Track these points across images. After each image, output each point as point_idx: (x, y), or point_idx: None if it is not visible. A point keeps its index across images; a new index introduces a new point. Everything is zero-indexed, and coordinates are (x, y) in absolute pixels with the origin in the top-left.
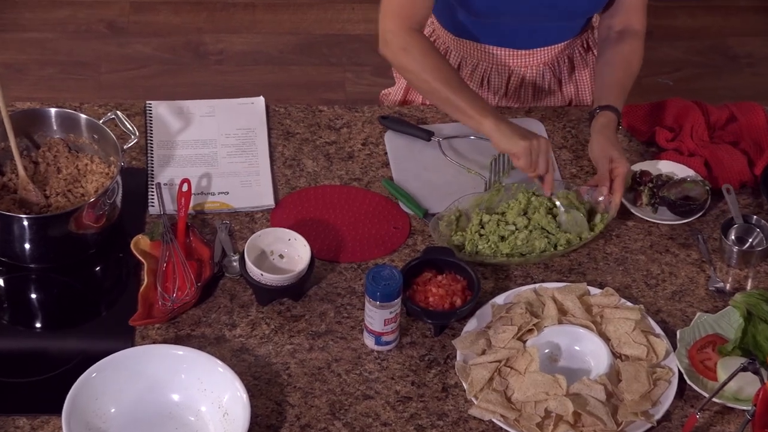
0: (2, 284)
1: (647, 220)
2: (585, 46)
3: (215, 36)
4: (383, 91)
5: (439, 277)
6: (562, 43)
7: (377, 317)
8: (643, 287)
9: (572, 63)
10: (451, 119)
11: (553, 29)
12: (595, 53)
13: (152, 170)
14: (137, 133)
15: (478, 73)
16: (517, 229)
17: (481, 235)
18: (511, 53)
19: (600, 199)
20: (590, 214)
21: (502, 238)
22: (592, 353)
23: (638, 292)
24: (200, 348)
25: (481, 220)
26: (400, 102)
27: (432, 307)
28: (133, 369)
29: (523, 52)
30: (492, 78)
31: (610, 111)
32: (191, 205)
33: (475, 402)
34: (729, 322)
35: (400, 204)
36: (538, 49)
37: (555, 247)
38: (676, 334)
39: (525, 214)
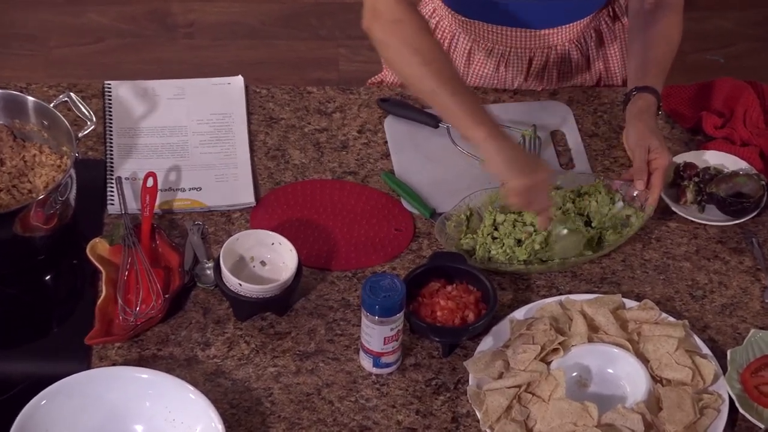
0: None
1: (692, 221)
2: (612, 14)
3: (185, 5)
4: (371, 79)
5: (449, 288)
6: (587, 17)
7: (376, 335)
8: (687, 299)
9: (600, 36)
10: None
11: (573, 2)
12: (624, 22)
13: (112, 162)
14: (94, 119)
15: (494, 56)
16: (535, 231)
17: (494, 239)
18: (530, 34)
19: (635, 195)
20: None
21: (519, 242)
22: (627, 377)
23: (682, 306)
24: (168, 371)
25: (494, 220)
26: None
27: (440, 323)
28: (89, 396)
29: (544, 32)
30: (511, 61)
31: (648, 93)
32: (157, 203)
33: None
34: None
35: (403, 202)
36: (560, 27)
37: (590, 245)
38: (726, 355)
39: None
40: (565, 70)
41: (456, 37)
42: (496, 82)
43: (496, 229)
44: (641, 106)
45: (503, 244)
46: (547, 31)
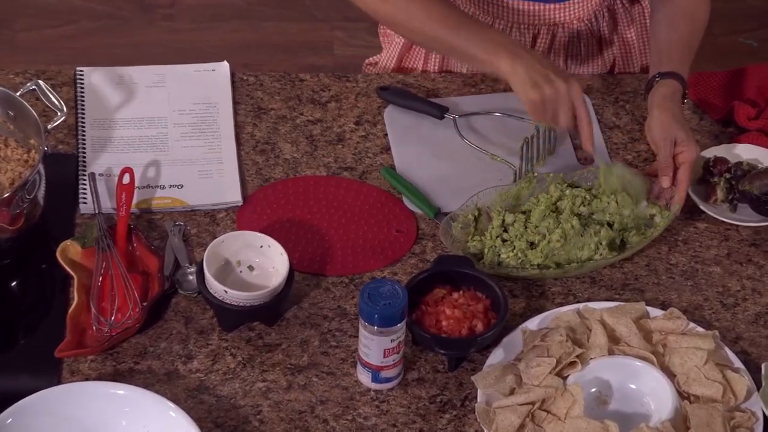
0: None
1: (723, 221)
2: None
3: None
4: (367, 60)
5: (455, 295)
6: None
7: (375, 347)
8: (718, 308)
9: (614, 18)
10: (470, 91)
11: None
12: (644, 5)
13: (84, 157)
14: (65, 109)
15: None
16: (549, 232)
17: (504, 241)
18: (535, 7)
19: (660, 192)
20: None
21: (532, 245)
22: (652, 393)
23: (712, 315)
24: (146, 386)
25: (503, 221)
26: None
27: (445, 334)
28: (59, 413)
29: (551, 6)
30: (513, 38)
31: (672, 78)
32: (135, 201)
33: None
34: None
35: (404, 200)
36: (568, 2)
37: (612, 247)
38: (760, 369)
39: (556, 211)
40: (574, 53)
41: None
42: None
43: (505, 230)
44: (665, 93)
45: (514, 247)
46: (553, 6)
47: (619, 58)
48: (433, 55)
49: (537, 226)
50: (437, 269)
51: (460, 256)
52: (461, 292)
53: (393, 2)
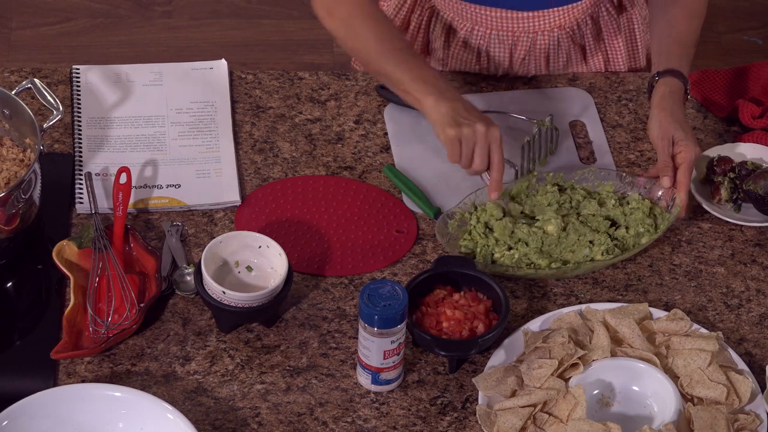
0: None
1: (727, 222)
2: (617, 3)
3: None
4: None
5: (456, 296)
6: (580, 3)
7: (375, 348)
8: (722, 309)
9: (598, 26)
10: (471, 89)
11: None
12: (632, 13)
13: (80, 156)
14: (61, 108)
15: (474, 40)
16: (543, 223)
17: (497, 241)
18: (512, 14)
19: (660, 193)
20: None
21: (526, 244)
22: (655, 395)
23: (716, 316)
24: (143, 388)
25: (478, 218)
26: None
27: (446, 336)
28: (55, 415)
29: (528, 14)
30: (492, 48)
31: (672, 76)
32: (131, 201)
33: None
34: None
35: (405, 200)
36: (548, 10)
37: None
38: (765, 371)
39: (559, 209)
40: (556, 60)
41: (435, 14)
42: (478, 68)
43: (490, 229)
44: (663, 92)
45: (510, 247)
46: (530, 14)
47: (604, 68)
48: (433, 56)
49: (532, 219)
50: (438, 270)
51: (461, 257)
52: (462, 293)
53: (339, 19)
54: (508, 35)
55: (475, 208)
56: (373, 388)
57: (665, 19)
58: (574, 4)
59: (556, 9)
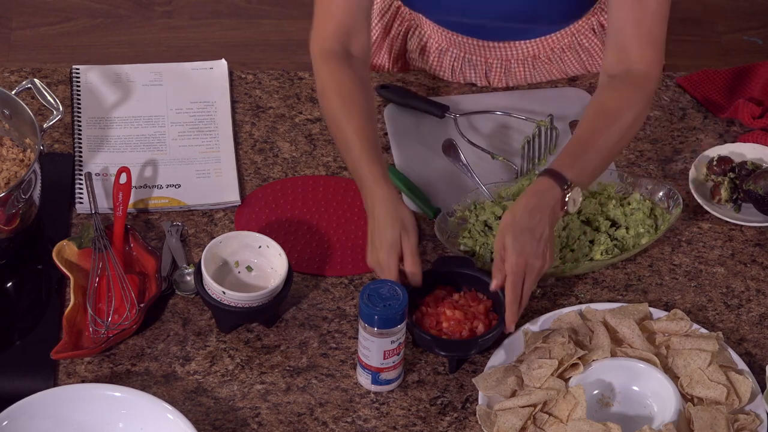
0: None
1: (727, 222)
2: (597, 27)
3: None
4: None
5: (456, 296)
6: (557, 33)
7: (375, 348)
8: (722, 309)
9: (578, 53)
10: (471, 89)
11: (525, 18)
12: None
13: (80, 156)
14: (61, 108)
15: (448, 61)
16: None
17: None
18: (485, 44)
19: (662, 194)
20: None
21: None
22: (655, 395)
23: (716, 316)
24: (143, 388)
25: (477, 216)
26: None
27: (446, 336)
28: (55, 416)
29: (500, 44)
30: (467, 70)
31: (548, 177)
32: (131, 201)
33: None
34: None
35: (405, 200)
36: (520, 41)
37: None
38: (765, 371)
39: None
40: (534, 79)
41: (414, 28)
42: (455, 82)
43: (490, 228)
44: (528, 189)
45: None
46: (501, 44)
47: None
48: (411, 64)
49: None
50: (437, 269)
51: (460, 257)
52: (462, 293)
53: (320, 81)
54: (481, 61)
55: (475, 206)
56: (373, 388)
57: (585, 114)
58: (548, 36)
59: (528, 41)
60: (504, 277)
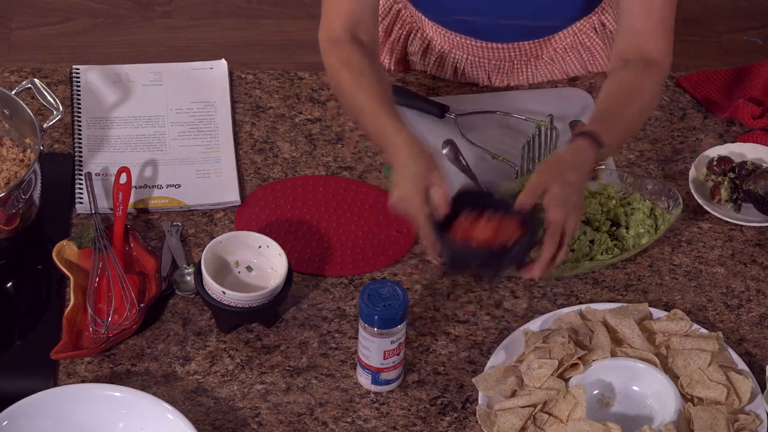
0: None
1: (727, 222)
2: (598, 25)
3: None
4: None
5: (485, 216)
6: (560, 33)
7: (375, 348)
8: (722, 309)
9: (579, 54)
10: (471, 89)
11: (526, 20)
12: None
13: (80, 156)
14: (61, 108)
15: (450, 62)
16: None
17: None
18: (488, 45)
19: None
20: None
21: None
22: (655, 395)
23: (716, 316)
24: (143, 388)
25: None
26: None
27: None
28: (55, 416)
29: (502, 45)
30: (469, 71)
31: (584, 139)
32: (131, 201)
33: None
34: None
35: None
36: (523, 42)
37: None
38: (765, 371)
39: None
40: (535, 79)
41: (415, 31)
42: (456, 81)
43: None
44: (568, 148)
45: None
46: (505, 45)
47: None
48: (412, 67)
49: None
50: (460, 201)
51: (481, 191)
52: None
53: (329, 65)
54: (484, 62)
55: None
56: (373, 388)
57: (601, 95)
58: (551, 36)
59: (531, 42)
60: (532, 199)
